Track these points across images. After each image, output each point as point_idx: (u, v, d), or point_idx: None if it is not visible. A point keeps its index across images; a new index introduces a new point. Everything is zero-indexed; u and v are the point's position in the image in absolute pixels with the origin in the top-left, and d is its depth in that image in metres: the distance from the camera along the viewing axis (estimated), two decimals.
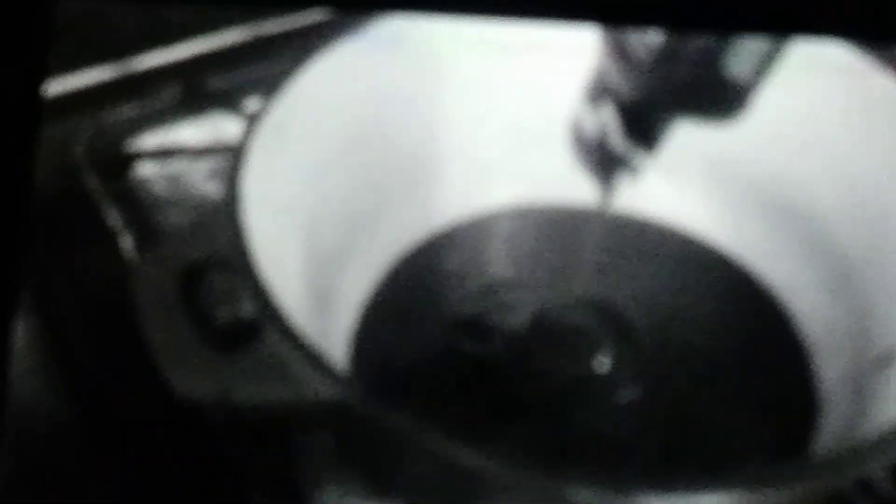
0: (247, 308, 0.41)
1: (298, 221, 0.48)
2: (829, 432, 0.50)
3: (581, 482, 0.38)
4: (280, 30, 0.65)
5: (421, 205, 0.55)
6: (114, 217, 0.56)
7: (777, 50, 0.43)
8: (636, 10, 0.39)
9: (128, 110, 0.62)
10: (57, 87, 0.61)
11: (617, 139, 0.48)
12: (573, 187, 0.52)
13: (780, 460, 0.49)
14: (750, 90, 0.44)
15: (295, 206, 0.48)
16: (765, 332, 0.55)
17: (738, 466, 0.47)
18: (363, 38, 0.51)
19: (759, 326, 0.55)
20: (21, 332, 0.42)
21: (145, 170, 0.59)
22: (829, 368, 0.52)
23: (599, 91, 0.49)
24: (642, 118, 0.48)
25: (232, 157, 0.44)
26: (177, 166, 0.59)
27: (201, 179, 0.59)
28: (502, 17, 0.38)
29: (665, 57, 0.44)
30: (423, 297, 0.54)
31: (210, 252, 0.42)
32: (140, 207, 0.57)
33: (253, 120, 0.46)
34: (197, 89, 0.64)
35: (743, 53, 0.43)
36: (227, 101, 0.62)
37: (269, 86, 0.49)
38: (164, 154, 0.60)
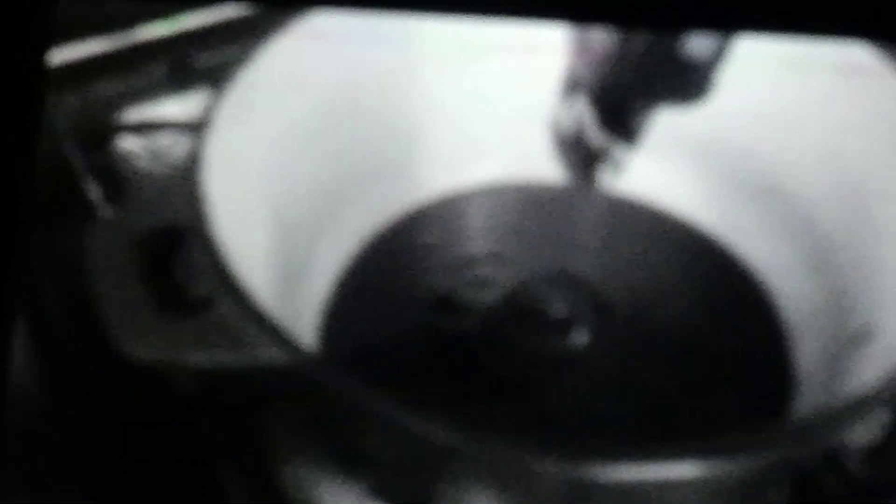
0: (204, 275, 0.41)
1: (266, 193, 0.48)
2: (805, 410, 0.50)
3: (554, 453, 0.38)
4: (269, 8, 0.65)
5: (397, 181, 0.55)
6: (94, 190, 0.56)
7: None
8: (636, 11, 0.39)
9: (114, 85, 0.62)
10: None
11: (594, 133, 0.48)
12: (553, 165, 0.52)
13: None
14: (711, 70, 0.44)
15: (263, 177, 0.48)
16: (742, 309, 0.54)
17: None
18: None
19: (737, 303, 0.55)
20: None
21: (128, 144, 0.59)
22: (807, 346, 0.52)
23: (572, 86, 0.49)
24: (615, 109, 0.48)
25: (198, 124, 0.44)
26: (161, 141, 0.59)
27: (184, 155, 0.58)
28: (483, 17, 0.39)
29: (626, 45, 0.44)
30: (397, 272, 0.54)
31: (170, 218, 0.42)
32: (121, 181, 0.57)
33: (221, 87, 0.46)
34: (184, 65, 0.63)
35: (700, 35, 0.43)
36: (214, 78, 0.62)
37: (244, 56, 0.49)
38: (148, 128, 0.60)
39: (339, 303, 0.53)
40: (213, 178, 0.43)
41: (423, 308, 0.53)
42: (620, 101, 0.48)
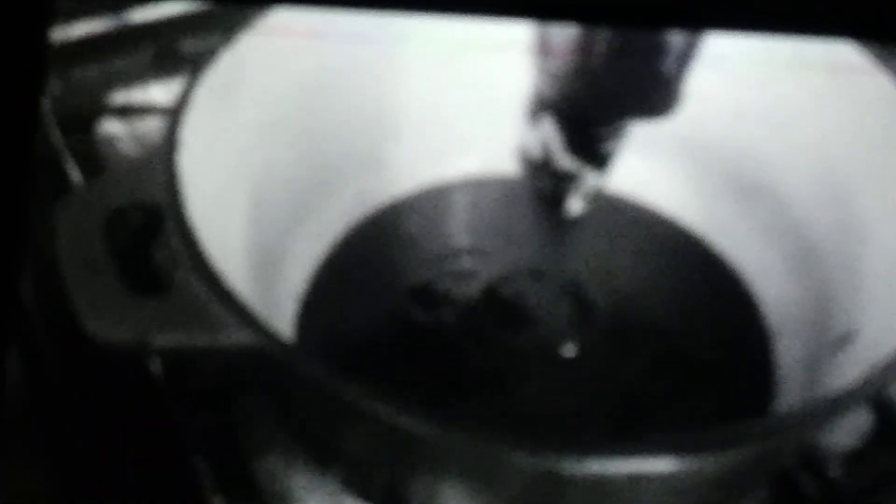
0: (177, 256, 0.40)
1: (245, 179, 0.48)
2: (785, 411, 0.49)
3: (527, 446, 0.37)
4: None
5: (379, 173, 0.55)
6: (76, 173, 0.55)
7: (696, 41, 0.43)
8: (617, 9, 0.39)
9: (100, 68, 0.62)
10: None
11: (562, 157, 0.48)
12: None
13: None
14: (678, 82, 0.44)
15: (241, 163, 0.48)
16: (725, 308, 0.54)
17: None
18: None
19: (720, 302, 0.54)
20: None
21: (111, 127, 0.59)
22: (789, 347, 0.52)
23: (538, 106, 0.48)
24: (583, 131, 0.47)
25: (175, 107, 0.44)
26: (143, 125, 0.59)
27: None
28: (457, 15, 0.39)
29: (590, 60, 0.44)
30: (377, 263, 0.54)
31: (143, 198, 0.42)
32: (104, 165, 0.57)
33: (200, 70, 0.46)
34: (171, 51, 0.63)
35: (666, 48, 0.42)
36: (199, 63, 0.62)
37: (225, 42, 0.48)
38: (133, 112, 0.60)
39: (318, 293, 0.52)
40: (188, 160, 0.43)
41: (401, 300, 0.53)
42: (588, 121, 0.47)
